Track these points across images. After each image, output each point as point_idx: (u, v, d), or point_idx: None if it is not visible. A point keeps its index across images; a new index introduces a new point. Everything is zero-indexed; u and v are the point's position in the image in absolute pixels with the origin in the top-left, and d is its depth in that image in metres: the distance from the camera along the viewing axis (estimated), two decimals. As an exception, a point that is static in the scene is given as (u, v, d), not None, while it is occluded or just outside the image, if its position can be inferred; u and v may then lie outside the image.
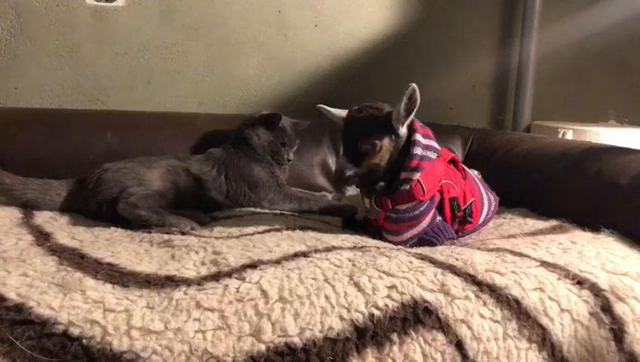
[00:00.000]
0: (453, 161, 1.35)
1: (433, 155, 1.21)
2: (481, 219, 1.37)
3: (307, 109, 2.11)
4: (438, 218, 1.25)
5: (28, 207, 1.40)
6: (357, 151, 1.16)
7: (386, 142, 1.19)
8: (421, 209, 1.21)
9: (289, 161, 1.70)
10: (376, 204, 1.23)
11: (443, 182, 1.24)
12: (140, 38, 2.00)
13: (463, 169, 1.38)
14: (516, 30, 2.36)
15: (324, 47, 2.18)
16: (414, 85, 1.14)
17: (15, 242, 1.09)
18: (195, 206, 1.49)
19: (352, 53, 2.22)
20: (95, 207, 1.40)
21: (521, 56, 2.33)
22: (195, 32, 2.05)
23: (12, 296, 0.80)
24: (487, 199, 1.42)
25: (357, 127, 1.18)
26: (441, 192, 1.25)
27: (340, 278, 0.90)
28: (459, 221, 1.29)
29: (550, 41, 2.36)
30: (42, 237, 1.14)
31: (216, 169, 1.59)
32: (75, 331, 0.76)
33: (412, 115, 1.18)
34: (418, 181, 1.18)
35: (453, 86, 2.36)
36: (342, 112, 1.26)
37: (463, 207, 1.28)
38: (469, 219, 1.30)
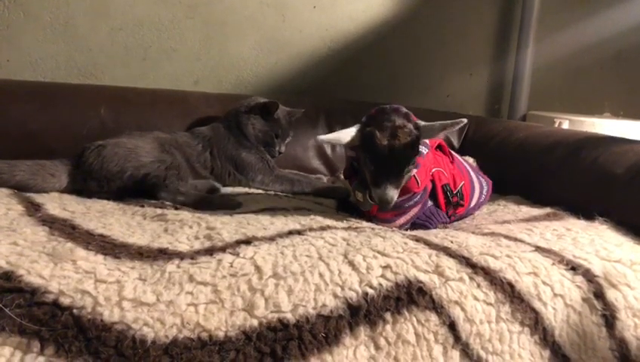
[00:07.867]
0: (440, 147, 1.36)
1: (425, 150, 1.22)
2: (473, 203, 1.38)
3: (303, 91, 2.10)
4: (430, 203, 1.25)
5: (18, 190, 1.30)
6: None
7: None
8: (415, 200, 1.21)
9: (280, 153, 1.70)
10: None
11: (434, 170, 1.25)
12: (136, 13, 1.97)
13: (450, 153, 1.38)
14: (515, 21, 2.36)
15: (322, 29, 2.16)
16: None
17: (5, 212, 1.08)
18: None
19: (350, 36, 2.20)
20: (96, 185, 1.34)
21: (519, 46, 2.33)
22: (192, 9, 2.02)
23: (1, 263, 0.79)
24: (478, 183, 1.42)
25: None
26: (432, 181, 1.25)
27: (335, 256, 0.89)
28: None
29: (548, 34, 2.36)
30: (33, 208, 1.11)
31: (201, 145, 1.58)
32: (65, 300, 0.74)
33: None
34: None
35: (451, 73, 2.35)
36: (346, 135, 1.15)
37: (455, 191, 1.29)
38: (461, 202, 1.31)
